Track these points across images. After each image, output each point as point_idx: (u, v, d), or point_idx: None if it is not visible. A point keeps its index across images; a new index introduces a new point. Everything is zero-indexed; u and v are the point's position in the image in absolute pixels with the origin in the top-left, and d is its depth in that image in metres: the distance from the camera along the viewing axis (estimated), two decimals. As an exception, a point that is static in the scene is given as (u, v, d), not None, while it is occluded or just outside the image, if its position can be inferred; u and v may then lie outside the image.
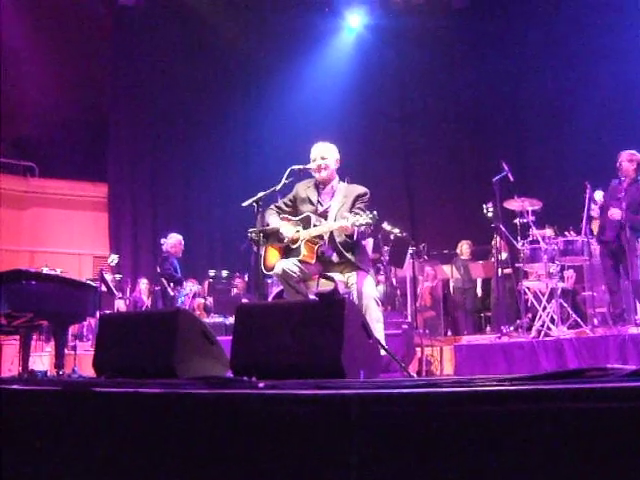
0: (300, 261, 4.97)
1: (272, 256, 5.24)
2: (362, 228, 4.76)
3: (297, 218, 5.20)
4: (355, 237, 4.90)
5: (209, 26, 14.60)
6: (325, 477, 1.96)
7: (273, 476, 2.06)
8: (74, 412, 2.65)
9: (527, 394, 1.70)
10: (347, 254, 4.97)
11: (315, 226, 5.02)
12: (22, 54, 13.46)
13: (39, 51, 13.75)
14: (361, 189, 5.14)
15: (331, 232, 4.96)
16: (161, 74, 15.14)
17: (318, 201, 5.21)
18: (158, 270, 9.71)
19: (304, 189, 5.30)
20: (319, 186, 5.27)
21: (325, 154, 5.22)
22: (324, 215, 5.12)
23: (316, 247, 4.98)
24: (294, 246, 5.05)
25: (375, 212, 4.69)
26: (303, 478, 2.00)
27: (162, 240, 9.99)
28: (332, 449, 1.95)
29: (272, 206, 5.37)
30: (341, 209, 5.03)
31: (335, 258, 5.04)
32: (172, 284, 9.58)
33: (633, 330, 6.37)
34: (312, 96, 14.13)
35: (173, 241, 9.76)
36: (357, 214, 4.77)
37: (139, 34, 14.92)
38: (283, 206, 5.36)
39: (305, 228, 5.06)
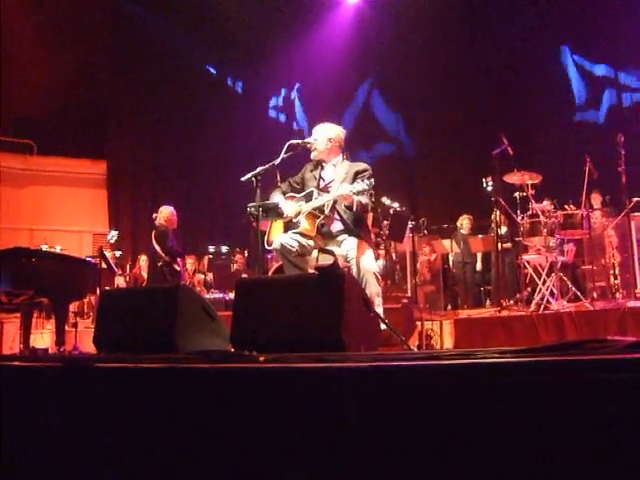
0: (300, 234, 4.99)
1: (276, 231, 5.26)
2: (362, 199, 4.82)
3: (301, 195, 5.25)
4: (355, 208, 4.92)
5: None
6: (326, 449, 1.96)
7: (274, 449, 2.07)
8: (75, 388, 2.65)
9: (528, 366, 1.70)
10: (349, 223, 5.04)
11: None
12: (22, 33, 13.36)
13: (39, 30, 13.67)
14: (362, 165, 5.23)
15: (333, 202, 5.04)
16: (161, 51, 15.04)
17: (321, 177, 5.31)
18: (158, 248, 9.01)
19: (310, 168, 5.42)
20: (322, 164, 5.37)
21: (316, 135, 5.35)
22: (326, 190, 5.20)
23: (317, 220, 5.00)
24: (295, 219, 5.08)
25: (372, 180, 4.83)
26: (304, 450, 2.01)
27: (154, 215, 9.38)
28: (333, 422, 1.96)
29: (278, 188, 5.43)
30: (342, 184, 5.07)
31: (336, 227, 5.06)
32: (176, 259, 9.21)
33: (632, 303, 6.37)
34: (312, 69, 14.05)
35: (166, 214, 9.20)
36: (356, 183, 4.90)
37: (138, 12, 14.80)
38: (289, 186, 5.43)
39: (307, 202, 5.11)
